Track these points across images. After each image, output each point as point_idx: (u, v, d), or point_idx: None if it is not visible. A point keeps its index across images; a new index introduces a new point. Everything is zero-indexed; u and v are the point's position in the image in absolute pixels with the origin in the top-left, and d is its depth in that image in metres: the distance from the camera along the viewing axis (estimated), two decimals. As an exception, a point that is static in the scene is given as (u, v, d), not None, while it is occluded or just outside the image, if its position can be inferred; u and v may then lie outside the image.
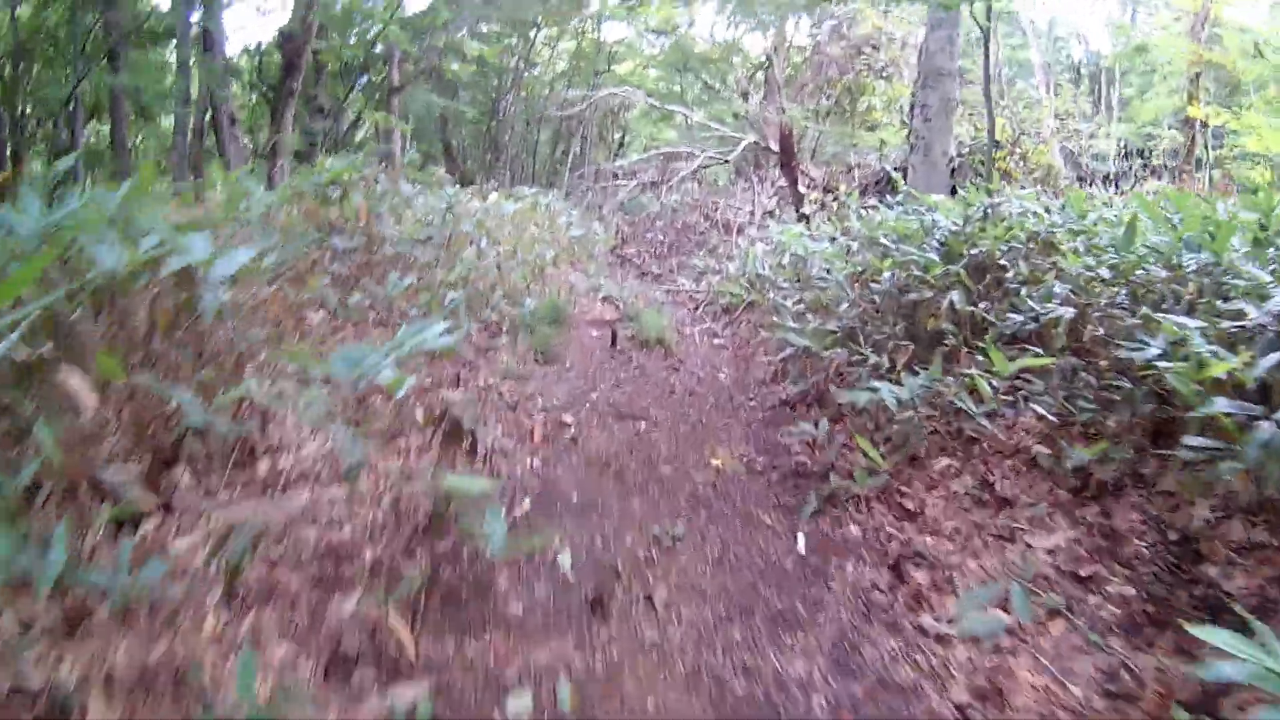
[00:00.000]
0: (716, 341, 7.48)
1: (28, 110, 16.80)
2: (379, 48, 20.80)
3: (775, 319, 6.21)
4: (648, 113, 31.41)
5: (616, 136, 29.41)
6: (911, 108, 12.97)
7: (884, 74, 14.36)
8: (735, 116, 14.61)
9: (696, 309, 9.12)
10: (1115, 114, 17.76)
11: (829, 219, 11.37)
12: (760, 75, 27.10)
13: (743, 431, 4.48)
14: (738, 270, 8.57)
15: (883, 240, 5.63)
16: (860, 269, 6.14)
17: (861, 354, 4.36)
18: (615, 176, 13.09)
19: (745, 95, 20.52)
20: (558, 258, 8.10)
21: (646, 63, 29.32)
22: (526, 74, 27.73)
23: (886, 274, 4.96)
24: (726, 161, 11.94)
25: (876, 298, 4.90)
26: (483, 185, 8.37)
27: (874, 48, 15.50)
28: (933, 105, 10.94)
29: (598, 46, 27.82)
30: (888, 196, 10.41)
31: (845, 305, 5.07)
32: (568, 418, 4.28)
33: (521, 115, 28.70)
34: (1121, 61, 19.32)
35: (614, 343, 6.28)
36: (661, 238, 12.31)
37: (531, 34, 26.31)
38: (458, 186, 6.90)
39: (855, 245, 7.05)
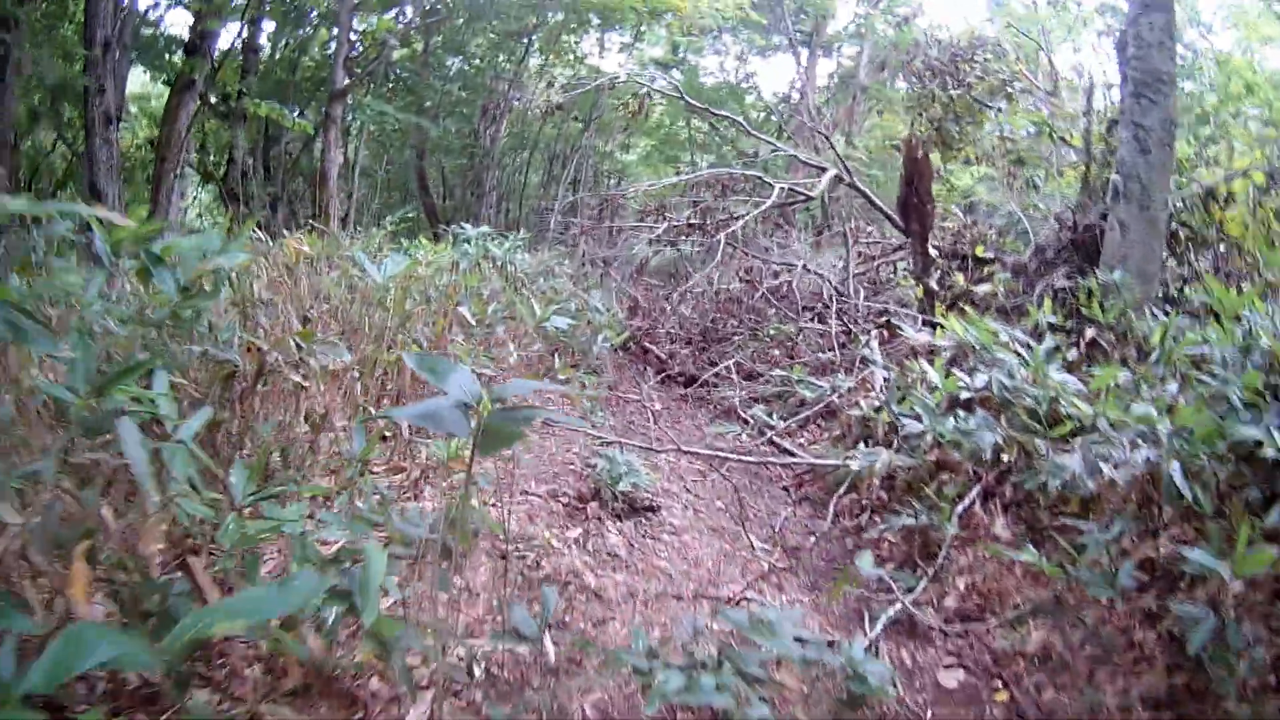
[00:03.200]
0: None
1: None
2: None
3: None
4: (648, 156, 26.85)
5: (612, 183, 24.74)
6: (1085, 133, 8.20)
7: (1006, 90, 9.61)
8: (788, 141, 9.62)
9: (813, 512, 4.06)
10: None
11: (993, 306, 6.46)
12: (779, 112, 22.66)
13: None
14: (914, 432, 3.59)
15: None
16: None
17: None
18: (612, 212, 7.99)
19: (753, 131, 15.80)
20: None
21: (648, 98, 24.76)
22: (517, 101, 23.20)
23: None
24: (810, 199, 7.11)
25: None
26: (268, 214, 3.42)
27: (972, 61, 10.77)
28: (1152, 128, 6.08)
29: (596, 76, 23.25)
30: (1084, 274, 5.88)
31: None
32: None
33: (509, 148, 24.08)
34: (1229, 105, 14.90)
35: None
36: (697, 317, 7.31)
37: (521, 52, 21.75)
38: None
39: None
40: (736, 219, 6.55)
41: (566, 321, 3.58)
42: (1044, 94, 10.27)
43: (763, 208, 6.59)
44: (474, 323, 3.42)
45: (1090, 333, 5.17)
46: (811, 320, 6.70)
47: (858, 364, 5.67)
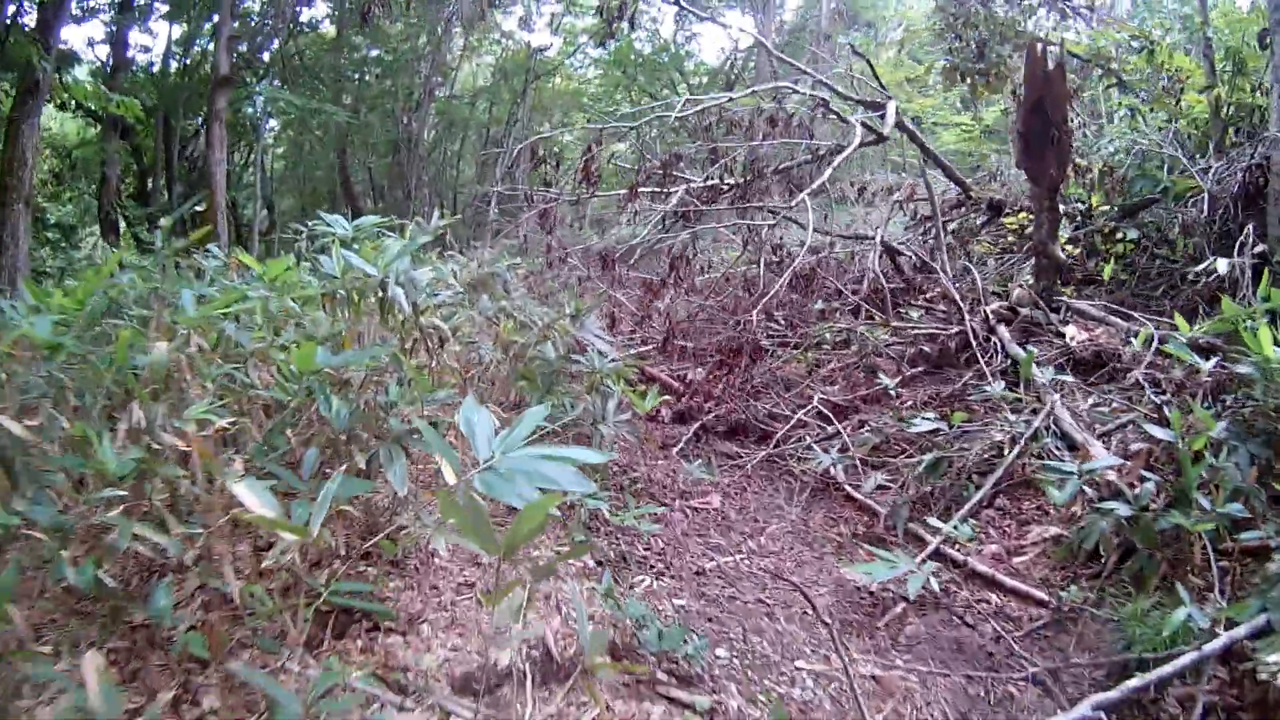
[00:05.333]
0: None
1: None
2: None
3: None
4: (585, 132, 24.09)
5: (551, 166, 21.85)
6: (1205, 46, 5.94)
7: (1060, 5, 7.22)
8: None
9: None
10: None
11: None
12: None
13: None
14: None
15: None
16: None
17: None
18: (579, 179, 5.21)
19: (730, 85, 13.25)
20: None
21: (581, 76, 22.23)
22: (442, 89, 20.36)
23: None
24: (883, 139, 4.62)
25: None
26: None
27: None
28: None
29: (529, 52, 20.52)
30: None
31: None
32: None
33: (438, 138, 21.20)
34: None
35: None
36: (717, 322, 4.88)
37: (441, 30, 18.76)
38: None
39: None
40: (790, 169, 4.06)
41: (580, 482, 1.12)
42: (1088, 8, 7.94)
43: (846, 152, 4.08)
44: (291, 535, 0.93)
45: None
46: (850, 309, 4.32)
47: (1026, 392, 3.31)
